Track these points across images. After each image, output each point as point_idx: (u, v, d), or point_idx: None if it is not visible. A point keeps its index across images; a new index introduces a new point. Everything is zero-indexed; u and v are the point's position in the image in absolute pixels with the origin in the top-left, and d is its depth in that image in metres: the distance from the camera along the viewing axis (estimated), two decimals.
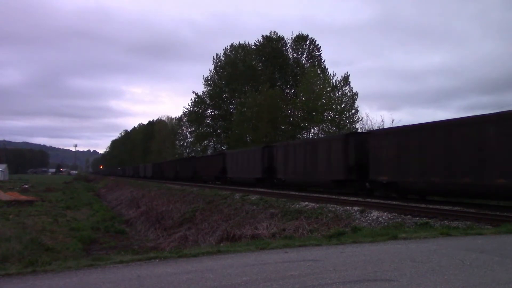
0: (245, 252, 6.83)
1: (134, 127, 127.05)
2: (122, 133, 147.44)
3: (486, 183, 13.15)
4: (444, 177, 14.62)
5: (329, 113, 39.32)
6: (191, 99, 59.40)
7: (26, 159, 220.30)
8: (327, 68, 47.90)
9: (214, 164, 38.19)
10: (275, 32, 53.31)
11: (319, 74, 41.59)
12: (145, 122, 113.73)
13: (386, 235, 8.06)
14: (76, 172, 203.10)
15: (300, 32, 51.70)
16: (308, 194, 20.27)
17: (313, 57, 51.23)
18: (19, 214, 24.08)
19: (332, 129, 37.89)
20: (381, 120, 42.81)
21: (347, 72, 40.72)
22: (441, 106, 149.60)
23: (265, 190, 25.01)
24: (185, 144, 74.94)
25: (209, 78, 58.16)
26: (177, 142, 77.38)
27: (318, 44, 51.52)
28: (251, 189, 26.32)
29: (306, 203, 16.37)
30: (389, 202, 15.26)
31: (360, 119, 38.80)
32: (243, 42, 56.48)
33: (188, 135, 70.20)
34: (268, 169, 27.89)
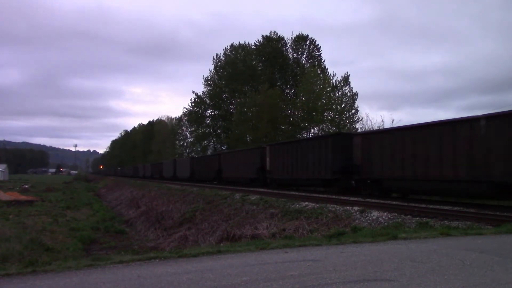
0: (245, 252, 6.83)
1: (134, 127, 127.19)
2: (122, 133, 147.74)
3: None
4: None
5: (329, 113, 39.28)
6: (191, 99, 59.53)
7: (26, 159, 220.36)
8: (327, 68, 47.96)
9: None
10: (275, 32, 53.43)
11: (319, 74, 41.54)
12: (145, 122, 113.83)
13: (386, 235, 8.05)
14: (76, 172, 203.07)
15: (300, 32, 51.80)
16: (308, 194, 20.26)
17: (313, 57, 51.23)
18: (19, 214, 24.08)
19: (332, 129, 37.85)
20: (381, 120, 42.79)
21: (347, 72, 40.77)
22: (441, 106, 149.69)
23: (265, 190, 25.07)
24: (185, 144, 74.98)
25: (209, 78, 58.24)
26: (177, 142, 77.37)
27: (318, 44, 51.59)
28: (251, 189, 26.34)
29: (306, 203, 16.35)
30: (389, 202, 15.28)
31: (360, 119, 38.82)
32: (243, 42, 56.62)
33: (188, 135, 70.24)
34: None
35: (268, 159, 27.81)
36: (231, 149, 44.82)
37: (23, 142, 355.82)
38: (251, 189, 26.34)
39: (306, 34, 51.56)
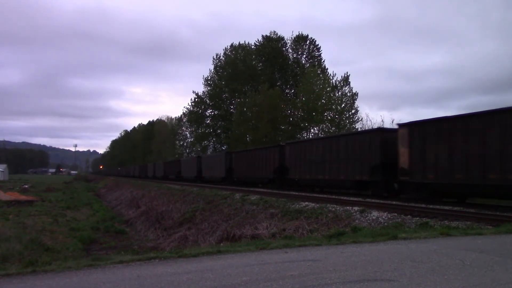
0: (245, 252, 6.82)
1: (134, 127, 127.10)
2: (122, 133, 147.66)
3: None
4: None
5: (329, 113, 39.27)
6: (191, 99, 59.52)
7: (26, 159, 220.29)
8: (327, 68, 47.92)
9: None
10: (275, 32, 53.41)
11: (319, 74, 41.53)
12: (145, 122, 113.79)
13: (386, 235, 8.05)
14: (76, 172, 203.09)
15: (300, 32, 51.79)
16: (308, 194, 20.26)
17: (313, 57, 51.22)
18: (19, 214, 24.06)
19: (332, 129, 37.86)
20: (381, 120, 42.72)
21: (347, 72, 40.73)
22: (441, 106, 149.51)
23: (266, 190, 24.90)
24: (185, 144, 74.96)
25: (209, 78, 58.24)
26: (177, 142, 77.37)
27: (318, 44, 51.58)
28: (251, 189, 26.24)
29: (306, 203, 16.38)
30: (389, 202, 15.28)
31: (360, 119, 38.79)
32: (243, 42, 56.61)
33: (188, 135, 70.24)
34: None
35: (400, 148, 16.96)
36: (232, 149, 44.13)
37: (23, 142, 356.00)
38: (251, 189, 26.28)
39: (306, 34, 51.61)
